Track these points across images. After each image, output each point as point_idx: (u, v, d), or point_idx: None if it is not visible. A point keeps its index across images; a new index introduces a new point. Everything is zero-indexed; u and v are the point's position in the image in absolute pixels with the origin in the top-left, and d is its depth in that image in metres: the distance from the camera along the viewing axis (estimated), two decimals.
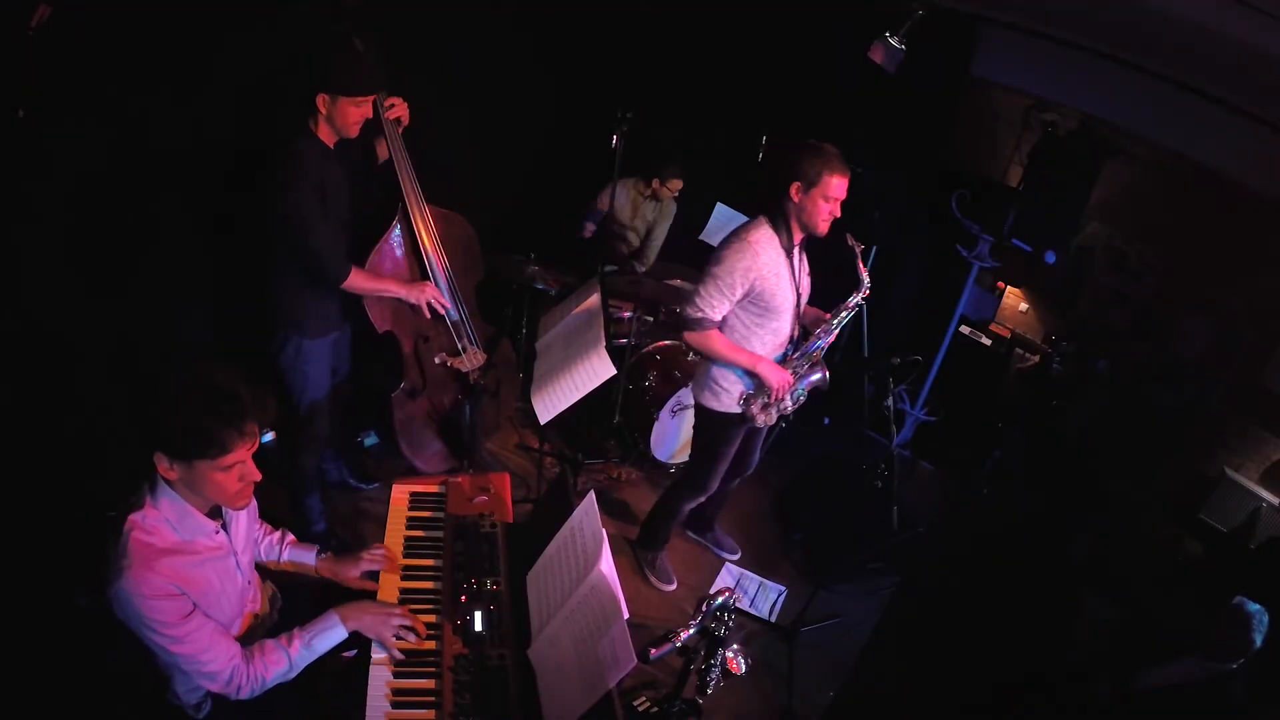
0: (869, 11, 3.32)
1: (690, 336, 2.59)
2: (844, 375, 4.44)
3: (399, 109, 2.56)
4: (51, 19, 2.08)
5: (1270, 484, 3.66)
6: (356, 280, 2.50)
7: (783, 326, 2.61)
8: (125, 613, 1.48)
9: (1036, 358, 4.35)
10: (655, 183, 3.95)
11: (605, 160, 3.38)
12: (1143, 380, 4.04)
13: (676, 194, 4.06)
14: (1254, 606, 2.41)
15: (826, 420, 4.52)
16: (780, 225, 2.51)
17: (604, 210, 4.06)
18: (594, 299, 2.86)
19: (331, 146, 2.38)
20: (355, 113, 2.33)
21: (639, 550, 3.24)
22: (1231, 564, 3.53)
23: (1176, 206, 3.77)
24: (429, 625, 1.85)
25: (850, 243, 2.56)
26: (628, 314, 3.66)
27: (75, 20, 2.14)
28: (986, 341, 4.44)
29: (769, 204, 2.53)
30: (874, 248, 4.11)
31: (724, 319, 2.57)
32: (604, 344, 2.60)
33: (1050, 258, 3.92)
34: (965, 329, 4.39)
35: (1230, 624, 2.42)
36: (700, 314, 2.52)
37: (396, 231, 2.68)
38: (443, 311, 2.77)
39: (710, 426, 2.80)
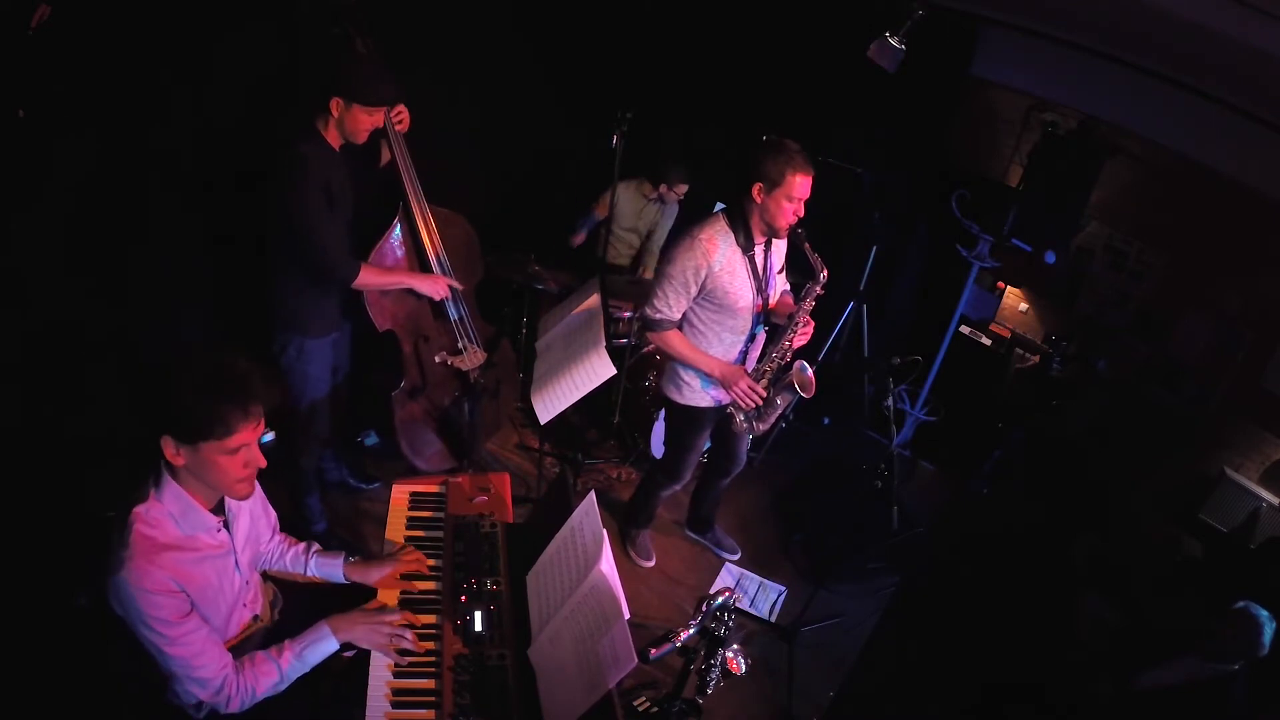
0: (869, 11, 3.32)
1: (652, 337, 2.64)
2: (844, 375, 4.45)
3: (404, 118, 2.57)
4: (51, 19, 2.08)
5: (1270, 484, 3.66)
6: (367, 277, 2.50)
7: (740, 324, 2.61)
8: (124, 606, 1.48)
9: (1036, 358, 4.35)
10: (663, 186, 3.94)
11: (606, 160, 3.38)
12: (1143, 380, 4.04)
13: (682, 196, 4.06)
14: (1263, 613, 2.41)
15: (826, 420, 4.52)
16: (738, 224, 2.49)
17: (601, 217, 4.05)
18: (594, 299, 2.86)
19: (337, 149, 2.38)
20: (366, 120, 2.33)
21: (621, 527, 3.31)
22: (1231, 564, 3.53)
23: (1176, 206, 3.77)
24: (429, 625, 1.85)
25: (798, 231, 2.48)
26: (628, 314, 3.66)
27: (75, 20, 2.14)
28: (986, 341, 4.44)
29: (730, 201, 2.52)
30: (874, 248, 4.11)
31: (684, 316, 2.60)
32: (604, 344, 2.60)
33: (1050, 258, 3.92)
34: (965, 329, 4.39)
35: (1239, 628, 2.42)
36: (659, 315, 2.55)
37: (397, 231, 2.68)
38: (451, 301, 2.78)
39: (677, 418, 2.87)
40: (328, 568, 1.98)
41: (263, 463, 1.59)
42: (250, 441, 1.54)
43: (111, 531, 1.51)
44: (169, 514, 1.55)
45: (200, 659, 1.56)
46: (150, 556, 1.48)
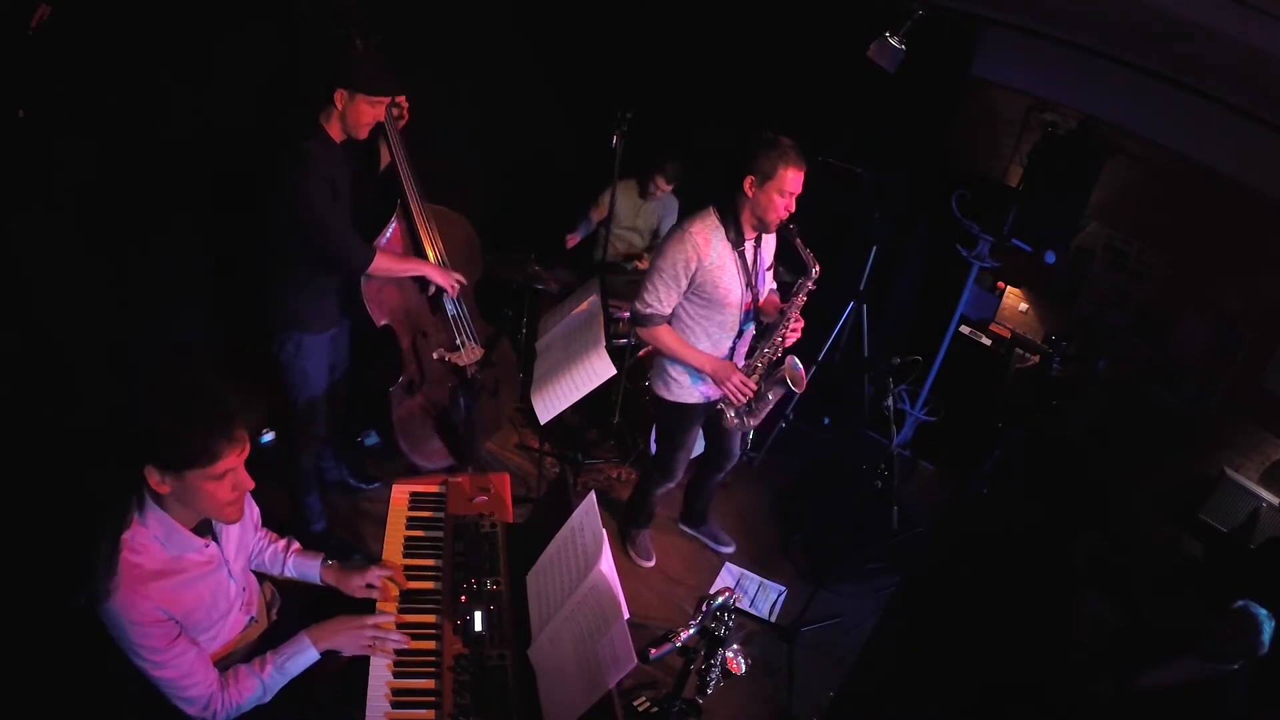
0: (869, 11, 3.32)
1: (642, 332, 2.63)
2: (844, 375, 4.45)
3: (404, 112, 2.57)
4: (51, 19, 2.08)
5: (1270, 484, 3.66)
6: (382, 262, 2.51)
7: (729, 319, 2.61)
8: (113, 632, 1.48)
9: (1036, 358, 4.35)
10: (656, 182, 3.94)
11: (605, 160, 3.38)
12: (1143, 380, 4.04)
13: (670, 191, 4.05)
14: (1263, 612, 2.41)
15: (826, 420, 4.52)
16: (729, 218, 2.49)
17: (598, 220, 4.05)
18: (594, 299, 2.86)
19: (339, 142, 2.39)
20: (369, 112, 2.34)
21: (620, 527, 3.31)
22: (1231, 564, 3.53)
23: (1176, 206, 3.77)
24: (429, 625, 1.85)
25: (789, 226, 2.48)
26: (628, 314, 3.65)
27: (75, 20, 2.14)
28: (986, 341, 4.44)
29: (721, 196, 2.52)
30: (874, 248, 4.11)
31: (674, 312, 2.60)
32: (604, 344, 2.60)
33: (1050, 258, 3.92)
34: (965, 329, 4.39)
35: (1239, 627, 2.42)
36: (649, 309, 2.56)
37: (393, 229, 2.69)
38: (454, 297, 2.79)
39: (666, 415, 2.87)
40: (305, 568, 1.96)
41: (251, 484, 1.58)
42: (237, 465, 1.52)
43: (96, 551, 1.49)
44: (154, 538, 1.53)
45: (187, 680, 1.56)
46: (136, 587, 1.47)
